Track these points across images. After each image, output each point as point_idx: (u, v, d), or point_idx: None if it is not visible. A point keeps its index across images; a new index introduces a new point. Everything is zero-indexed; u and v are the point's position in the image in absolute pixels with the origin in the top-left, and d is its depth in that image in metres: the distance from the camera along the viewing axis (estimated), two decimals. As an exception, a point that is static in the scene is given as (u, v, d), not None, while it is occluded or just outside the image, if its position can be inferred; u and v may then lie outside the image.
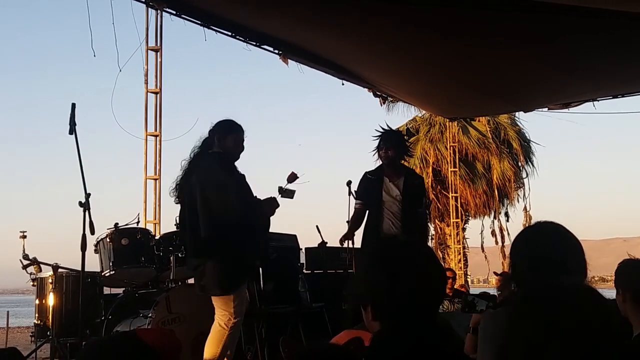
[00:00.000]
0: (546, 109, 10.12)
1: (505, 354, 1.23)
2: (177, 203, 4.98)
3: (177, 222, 5.14)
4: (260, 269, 5.92)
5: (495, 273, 10.23)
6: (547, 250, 2.26)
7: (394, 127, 6.25)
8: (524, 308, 1.24)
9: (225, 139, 4.77)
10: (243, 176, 4.84)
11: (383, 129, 5.98)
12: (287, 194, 4.94)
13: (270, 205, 4.87)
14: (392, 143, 5.92)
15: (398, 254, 1.92)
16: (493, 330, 2.42)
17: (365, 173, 6.00)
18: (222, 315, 4.54)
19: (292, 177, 4.96)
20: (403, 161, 6.16)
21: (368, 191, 5.92)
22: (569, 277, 2.09)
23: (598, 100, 9.34)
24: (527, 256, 2.31)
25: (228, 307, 4.52)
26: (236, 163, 4.84)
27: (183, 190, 4.71)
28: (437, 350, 1.82)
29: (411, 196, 5.83)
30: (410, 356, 1.78)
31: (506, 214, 19.40)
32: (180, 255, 5.51)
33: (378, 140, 5.94)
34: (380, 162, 5.96)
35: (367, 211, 5.97)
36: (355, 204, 6.02)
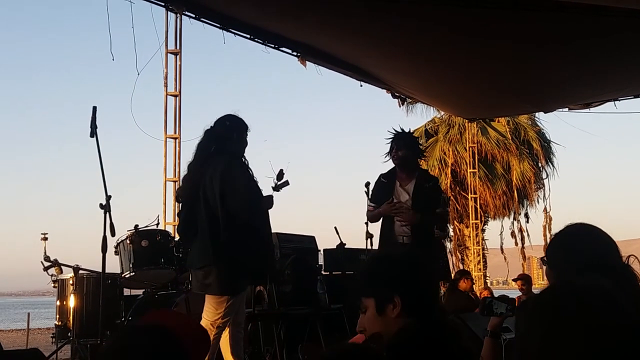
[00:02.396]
0: (567, 109, 10.05)
1: (521, 347, 1.23)
2: (180, 202, 4.97)
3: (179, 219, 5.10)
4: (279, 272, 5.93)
5: (514, 280, 10.21)
6: (577, 250, 2.24)
7: (412, 128, 6.20)
8: (540, 304, 1.24)
9: (242, 137, 4.81)
10: (252, 174, 4.84)
11: (395, 130, 5.93)
12: (282, 185, 5.03)
13: (267, 202, 4.88)
14: (403, 143, 5.83)
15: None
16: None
17: (380, 176, 5.93)
18: (211, 314, 4.52)
19: (280, 174, 5.04)
20: (417, 163, 6.08)
21: (380, 195, 5.86)
22: (605, 278, 2.06)
23: (619, 100, 9.26)
24: (559, 256, 2.30)
25: (220, 307, 4.52)
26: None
27: (196, 188, 4.66)
28: (450, 347, 1.86)
29: (423, 199, 5.72)
30: (429, 351, 1.80)
31: (526, 215, 19.28)
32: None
33: (390, 143, 5.90)
34: (394, 165, 5.90)
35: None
36: (368, 206, 5.97)
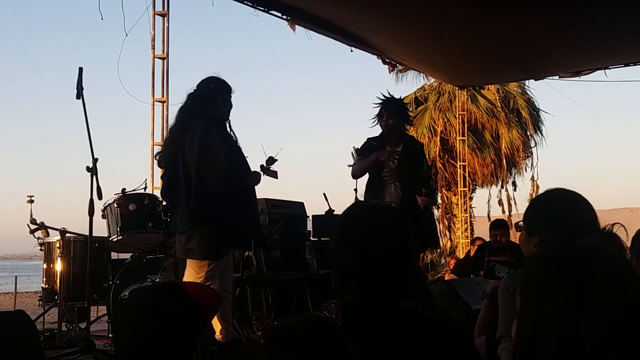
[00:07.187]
0: (557, 77, 10.03)
1: (523, 314, 1.21)
2: (161, 167, 4.93)
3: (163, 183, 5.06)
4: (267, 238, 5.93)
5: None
6: (562, 215, 2.23)
7: (401, 96, 6.16)
8: (540, 268, 1.22)
9: (227, 98, 4.75)
10: (236, 138, 4.82)
11: (385, 96, 5.88)
12: (270, 173, 5.01)
13: (254, 178, 4.89)
14: (393, 111, 5.82)
15: (366, 219, 1.92)
16: (512, 291, 2.41)
17: (369, 139, 5.93)
18: (192, 278, 4.51)
19: (271, 160, 5.06)
20: (404, 130, 6.06)
21: (369, 155, 5.86)
22: (587, 239, 2.06)
23: (610, 69, 9.24)
24: (543, 222, 2.28)
25: (201, 272, 4.51)
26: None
27: (176, 151, 4.60)
28: (412, 316, 1.80)
29: (408, 161, 5.77)
30: (383, 321, 1.75)
31: (514, 184, 19.34)
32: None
33: (379, 109, 5.85)
34: (381, 131, 5.88)
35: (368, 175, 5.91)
36: (355, 161, 5.93)
